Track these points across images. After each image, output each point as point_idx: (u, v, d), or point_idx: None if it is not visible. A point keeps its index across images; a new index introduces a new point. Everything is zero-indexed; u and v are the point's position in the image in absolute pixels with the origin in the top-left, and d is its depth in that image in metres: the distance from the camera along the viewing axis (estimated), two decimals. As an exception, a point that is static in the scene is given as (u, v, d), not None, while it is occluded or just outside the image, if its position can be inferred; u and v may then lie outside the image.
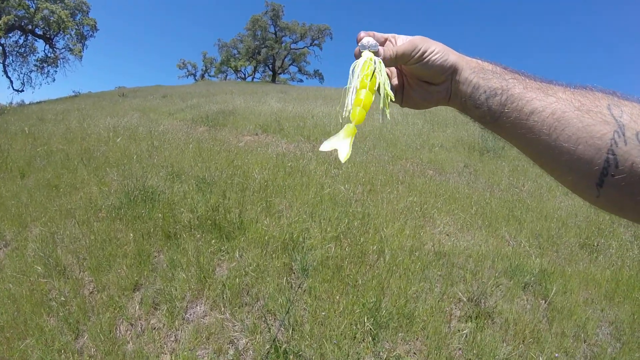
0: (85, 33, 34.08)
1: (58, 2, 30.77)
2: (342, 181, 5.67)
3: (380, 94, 0.71)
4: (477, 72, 0.66)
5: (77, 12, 32.91)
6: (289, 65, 50.07)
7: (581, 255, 4.63)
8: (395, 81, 0.78)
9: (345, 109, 0.66)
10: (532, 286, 3.79)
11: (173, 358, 2.71)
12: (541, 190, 6.74)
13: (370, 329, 2.87)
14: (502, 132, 0.64)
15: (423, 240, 4.21)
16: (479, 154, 8.76)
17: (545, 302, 3.55)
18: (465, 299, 3.40)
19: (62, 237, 4.12)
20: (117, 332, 2.97)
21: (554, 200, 6.43)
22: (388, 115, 0.69)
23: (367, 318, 2.93)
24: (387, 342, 2.85)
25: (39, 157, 7.05)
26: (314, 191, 5.08)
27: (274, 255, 3.63)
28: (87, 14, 33.90)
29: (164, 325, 3.01)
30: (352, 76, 0.68)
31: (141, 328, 2.99)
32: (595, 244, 4.90)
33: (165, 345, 2.85)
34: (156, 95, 20.43)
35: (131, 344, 2.84)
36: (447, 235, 4.54)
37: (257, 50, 47.21)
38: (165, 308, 3.10)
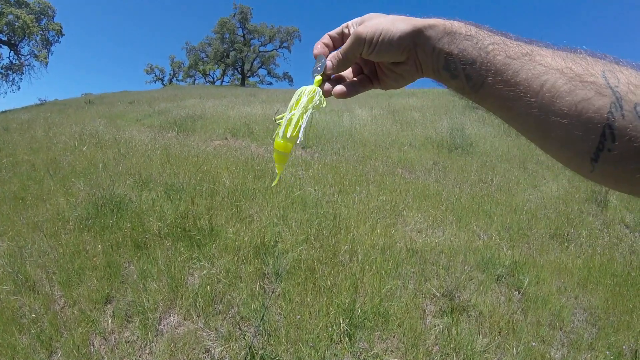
0: (50, 38, 33.44)
1: (23, 6, 30.04)
2: (312, 183, 5.68)
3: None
4: (446, 39, 0.57)
5: (43, 16, 32.25)
6: (258, 68, 50.08)
7: (552, 246, 4.73)
8: (356, 79, 0.71)
9: (275, 134, 0.66)
10: (505, 278, 3.85)
11: (148, 370, 2.68)
12: (510, 184, 6.87)
13: (347, 329, 2.87)
14: (484, 104, 0.58)
15: (395, 238, 4.24)
16: (448, 151, 8.89)
17: (519, 293, 3.62)
18: (439, 295, 3.43)
19: (31, 251, 4.00)
20: (91, 347, 2.90)
21: (523, 193, 6.56)
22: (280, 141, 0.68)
23: (343, 319, 2.93)
24: (364, 341, 2.86)
25: (4, 168, 6.84)
26: (284, 194, 5.08)
27: (245, 261, 3.61)
28: (53, 18, 33.27)
29: (137, 337, 2.95)
30: (290, 105, 0.66)
31: (115, 342, 2.93)
32: (566, 234, 5.02)
33: (140, 358, 2.79)
34: (123, 101, 20.08)
35: (106, 358, 2.78)
36: (419, 232, 4.59)
37: (225, 54, 46.96)
38: (138, 320, 3.04)
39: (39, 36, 32.00)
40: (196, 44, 49.25)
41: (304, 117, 0.65)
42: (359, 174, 6.47)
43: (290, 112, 0.65)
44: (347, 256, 3.77)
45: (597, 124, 0.46)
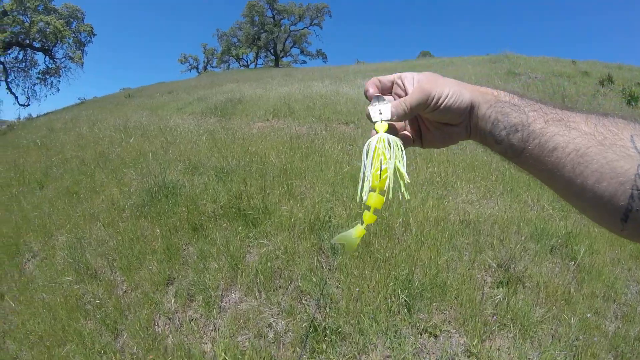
0: (82, 39, 34.30)
1: (52, 12, 30.88)
2: (359, 158, 5.61)
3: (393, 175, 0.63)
4: (495, 106, 0.61)
5: (72, 20, 33.06)
6: (291, 47, 49.73)
7: (604, 216, 4.59)
8: (407, 133, 0.73)
9: (359, 193, 0.64)
10: (558, 249, 3.78)
11: (214, 346, 2.75)
12: None
13: (405, 300, 2.89)
14: (524, 167, 0.61)
15: (447, 210, 4.21)
16: None
17: (574, 264, 3.54)
18: (495, 265, 3.40)
19: (89, 241, 4.18)
20: (156, 327, 3.02)
21: (572, 161, 6.37)
22: (407, 195, 0.63)
23: (401, 290, 2.94)
24: (423, 312, 2.87)
25: (55, 166, 7.13)
26: (334, 170, 5.10)
27: (302, 237, 3.66)
28: (83, 20, 34.04)
29: (201, 315, 3.05)
30: (366, 160, 0.64)
31: (179, 321, 3.04)
32: (617, 204, 4.86)
33: (205, 335, 2.89)
34: (162, 92, 20.45)
35: (171, 337, 2.88)
36: (471, 203, 4.52)
37: (256, 36, 46.84)
38: (201, 299, 3.14)
39: (72, 39, 32.77)
40: (227, 30, 49.45)
41: (395, 168, 0.63)
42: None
43: (373, 165, 0.63)
44: (402, 229, 3.77)
45: (625, 184, 0.48)
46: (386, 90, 0.71)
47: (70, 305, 3.30)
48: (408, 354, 2.55)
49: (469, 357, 2.59)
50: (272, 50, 49.07)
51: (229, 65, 51.67)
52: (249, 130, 8.12)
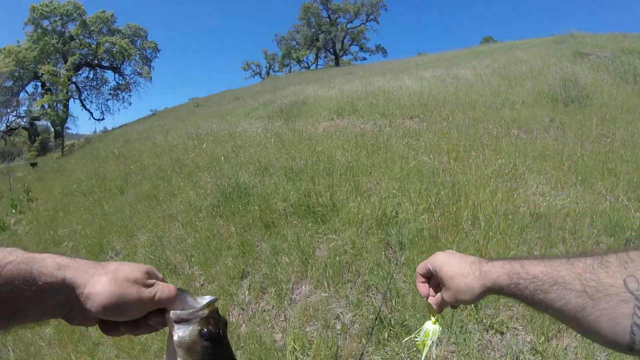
0: (148, 55, 37.00)
1: (116, 33, 33.50)
2: (425, 152, 5.67)
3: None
4: (499, 290, 0.72)
5: (136, 38, 35.72)
6: (349, 45, 49.44)
7: (686, 207, 4.26)
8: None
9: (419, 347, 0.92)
10: (633, 242, 3.55)
11: (284, 335, 2.91)
12: (634, 139, 6.04)
13: (472, 296, 2.88)
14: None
15: (517, 203, 4.09)
16: (564, 106, 8.06)
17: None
18: (566, 261, 3.30)
19: (169, 239, 4.50)
20: (230, 317, 3.23)
21: (649, 147, 5.88)
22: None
23: (469, 286, 2.93)
24: (490, 308, 2.84)
25: (133, 173, 7.72)
26: (399, 166, 5.13)
27: (369, 232, 3.75)
28: (146, 37, 36.78)
29: (272, 307, 3.23)
30: (418, 333, 0.93)
31: (252, 311, 3.24)
32: (698, 192, 4.47)
33: (276, 325, 3.06)
34: (228, 99, 21.13)
35: (244, 326, 3.08)
36: (542, 195, 4.34)
37: (315, 37, 46.96)
38: (273, 291, 3.32)
39: (138, 56, 35.36)
40: (285, 34, 49.99)
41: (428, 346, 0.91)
42: (471, 138, 6.30)
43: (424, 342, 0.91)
44: (469, 223, 3.75)
45: (625, 327, 0.55)
46: (429, 273, 0.88)
47: (152, 298, 3.59)
48: (473, 349, 2.55)
49: (534, 355, 2.53)
50: (331, 50, 49.06)
51: (290, 68, 52.06)
52: (315, 130, 8.28)
